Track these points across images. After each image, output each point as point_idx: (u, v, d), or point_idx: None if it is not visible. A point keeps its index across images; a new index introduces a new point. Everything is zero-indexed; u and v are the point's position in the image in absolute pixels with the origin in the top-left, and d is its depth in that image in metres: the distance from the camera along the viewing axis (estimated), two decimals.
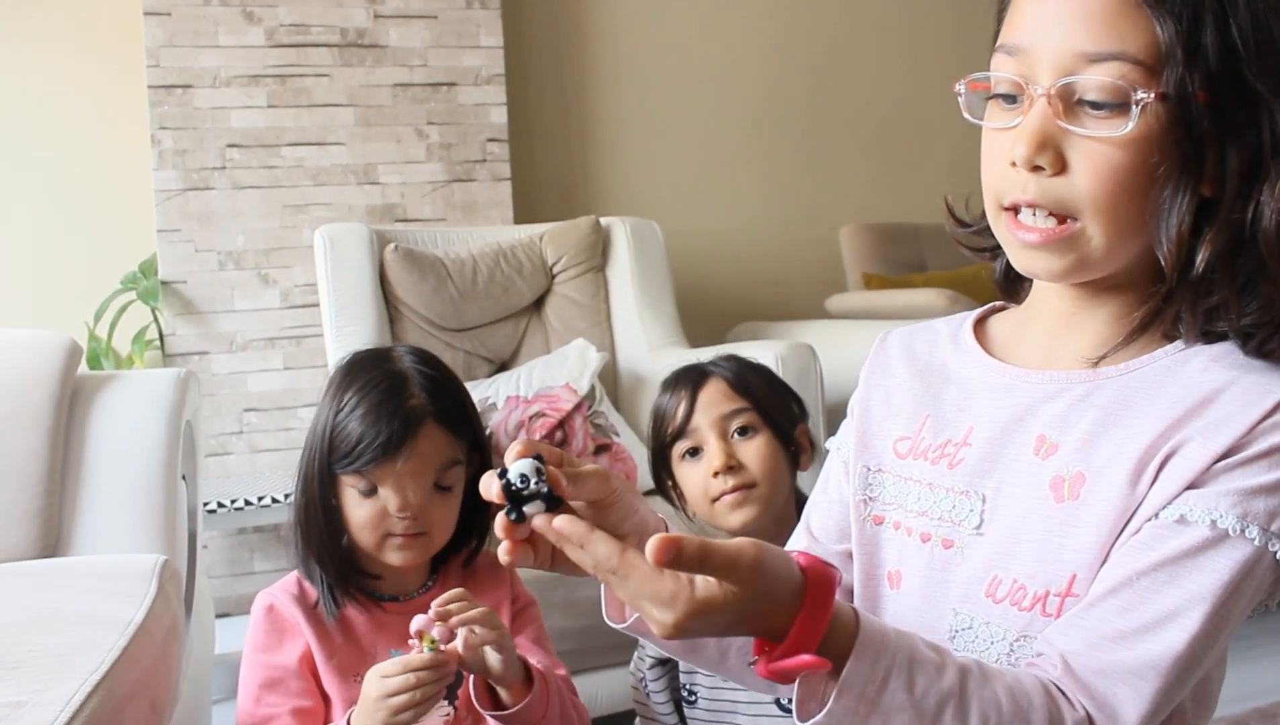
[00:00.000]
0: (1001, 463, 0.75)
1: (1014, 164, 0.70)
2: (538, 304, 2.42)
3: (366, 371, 1.25)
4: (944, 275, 2.85)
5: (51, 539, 1.43)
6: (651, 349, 2.37)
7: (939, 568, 0.77)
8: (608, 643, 1.70)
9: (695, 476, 1.35)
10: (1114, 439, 0.70)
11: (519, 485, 0.64)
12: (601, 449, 2.08)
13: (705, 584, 0.58)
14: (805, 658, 0.60)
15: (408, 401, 1.21)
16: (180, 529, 1.52)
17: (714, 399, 1.35)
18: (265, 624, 1.22)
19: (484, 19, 2.71)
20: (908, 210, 3.21)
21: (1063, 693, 0.66)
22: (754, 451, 1.33)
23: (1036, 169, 0.69)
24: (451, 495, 1.24)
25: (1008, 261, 0.77)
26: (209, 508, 2.14)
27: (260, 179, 2.54)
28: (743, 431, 1.34)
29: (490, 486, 0.64)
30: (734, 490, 1.31)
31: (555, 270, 2.41)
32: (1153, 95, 0.65)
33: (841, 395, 1.58)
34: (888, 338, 0.90)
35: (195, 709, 1.46)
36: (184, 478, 1.59)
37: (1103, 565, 0.68)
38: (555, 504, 0.64)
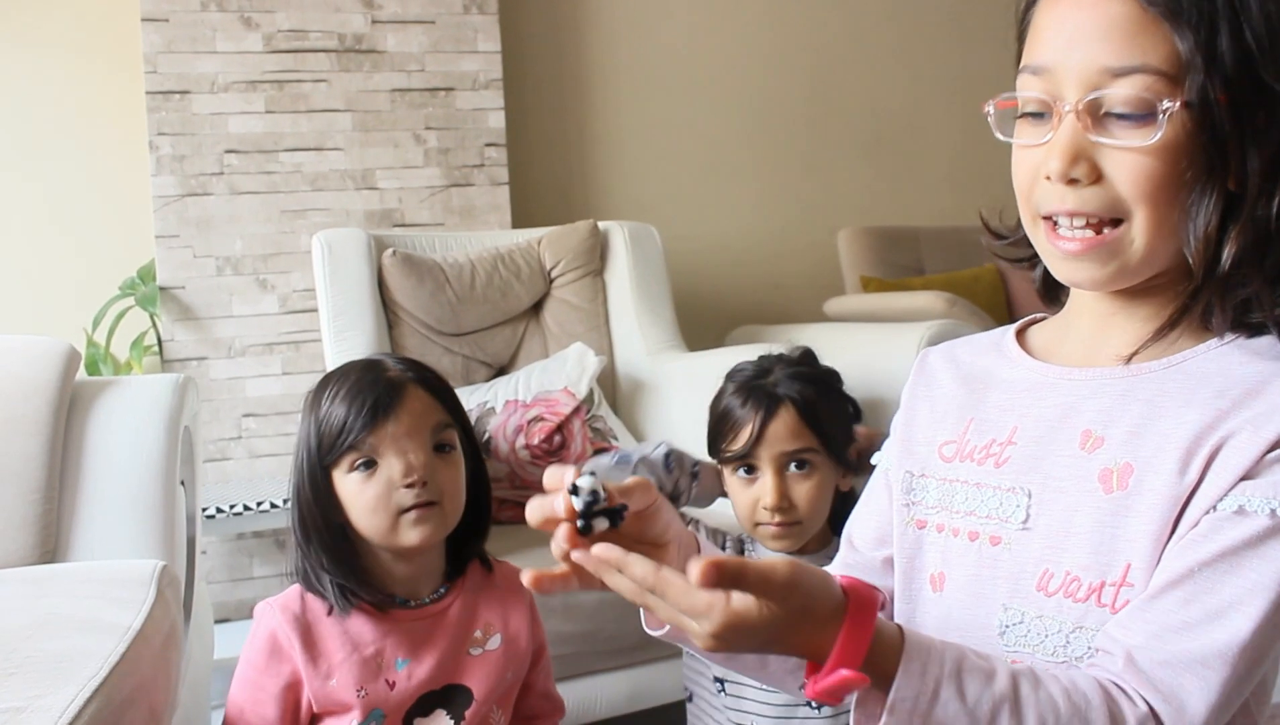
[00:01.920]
0: (1047, 459, 0.77)
1: (1048, 177, 0.72)
2: (536, 308, 2.42)
3: (338, 372, 1.28)
4: (942, 278, 2.85)
5: (50, 545, 1.43)
6: (650, 353, 2.37)
7: (987, 565, 0.78)
8: (606, 647, 1.69)
9: (745, 496, 1.38)
10: (1160, 430, 0.71)
11: (590, 499, 0.66)
12: (599, 453, 2.08)
13: (741, 598, 0.60)
14: (845, 672, 0.61)
15: (386, 373, 1.24)
16: (179, 534, 1.52)
17: (780, 435, 1.36)
18: (261, 642, 1.23)
19: (481, 24, 2.71)
20: (906, 213, 3.21)
21: (1123, 690, 0.66)
22: (806, 491, 1.36)
23: (1072, 181, 0.71)
24: (453, 458, 1.24)
25: (1046, 268, 0.79)
26: (208, 513, 2.14)
27: (258, 184, 2.54)
28: (800, 465, 1.36)
29: (558, 502, 0.67)
30: (778, 525, 1.35)
31: (553, 274, 2.42)
32: (1178, 104, 0.68)
33: None
34: (929, 355, 0.91)
35: (194, 714, 1.45)
36: (183, 483, 1.58)
37: (1160, 554, 0.69)
38: (618, 520, 0.67)
